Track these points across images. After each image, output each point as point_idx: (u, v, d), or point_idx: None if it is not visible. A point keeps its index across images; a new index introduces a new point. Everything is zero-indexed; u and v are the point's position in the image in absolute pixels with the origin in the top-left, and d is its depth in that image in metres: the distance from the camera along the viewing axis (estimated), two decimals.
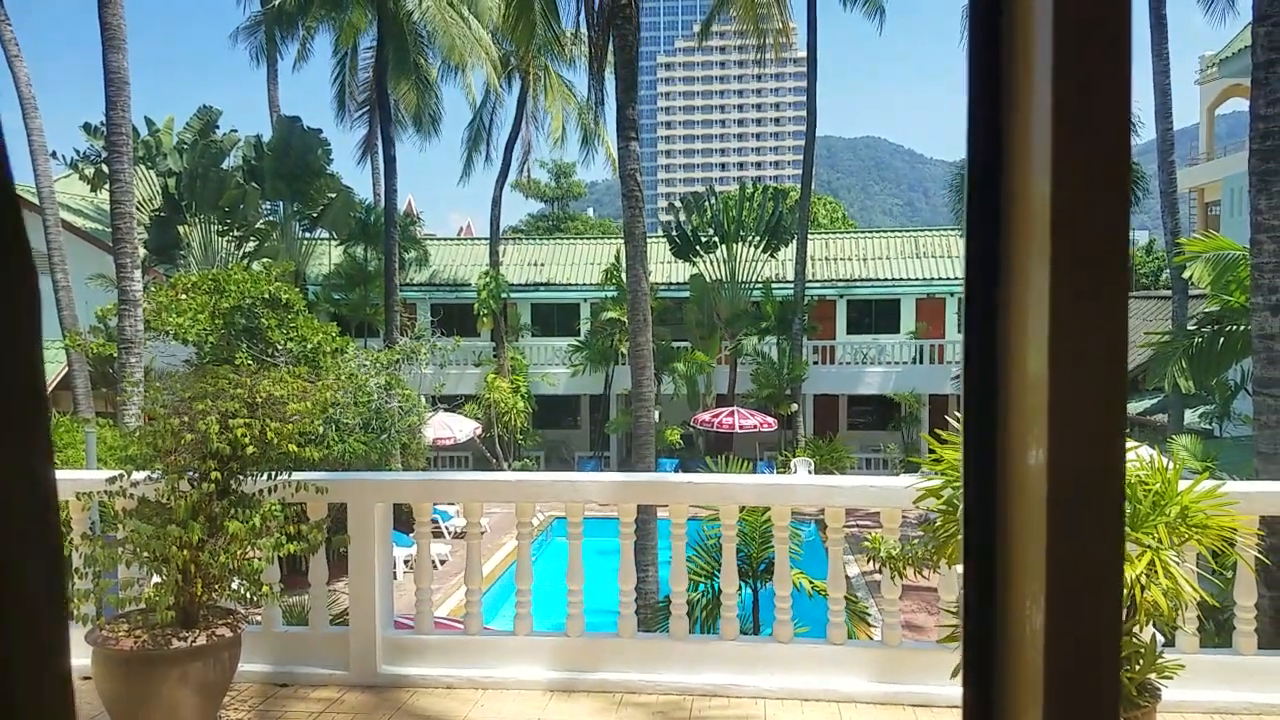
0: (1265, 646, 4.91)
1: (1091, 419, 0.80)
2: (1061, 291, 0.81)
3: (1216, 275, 11.52)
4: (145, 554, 4.36)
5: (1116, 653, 0.84)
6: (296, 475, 4.90)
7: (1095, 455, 0.80)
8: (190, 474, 4.57)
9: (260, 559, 4.64)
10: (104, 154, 21.62)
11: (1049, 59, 0.82)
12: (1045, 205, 0.83)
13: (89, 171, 26.78)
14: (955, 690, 4.33)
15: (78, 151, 27.67)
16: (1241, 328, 11.26)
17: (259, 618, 5.35)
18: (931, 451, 4.21)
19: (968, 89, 0.92)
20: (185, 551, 4.33)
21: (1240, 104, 32.16)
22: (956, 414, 4.38)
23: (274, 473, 4.79)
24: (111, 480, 4.68)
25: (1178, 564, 3.69)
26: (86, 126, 26.67)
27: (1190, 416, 18.84)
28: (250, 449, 4.52)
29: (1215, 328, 12.20)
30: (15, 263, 0.65)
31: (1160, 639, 4.39)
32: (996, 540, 0.90)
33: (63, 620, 0.73)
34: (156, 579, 4.56)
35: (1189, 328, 14.35)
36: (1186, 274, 13.24)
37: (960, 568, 4.33)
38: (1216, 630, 7.00)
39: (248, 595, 4.73)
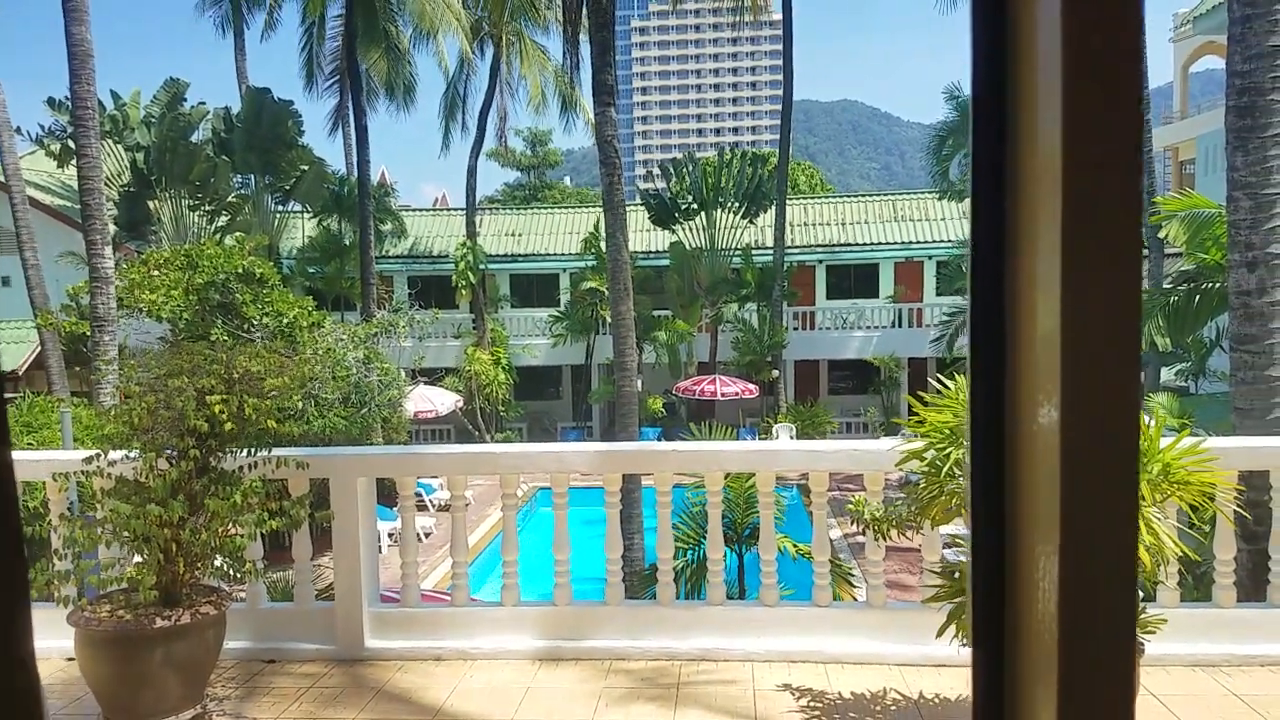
0: (1244, 599, 4.99)
1: (1106, 374, 0.78)
2: (1075, 245, 0.77)
3: (1192, 234, 11.55)
4: (125, 533, 4.30)
5: (1133, 610, 0.82)
6: (276, 451, 4.84)
7: (1110, 411, 0.78)
8: (168, 452, 4.50)
9: (242, 536, 4.59)
10: (69, 129, 21.12)
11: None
12: (1056, 154, 0.80)
13: (55, 147, 26.18)
14: (940, 649, 4.37)
15: (42, 127, 27.02)
16: (1217, 285, 11.35)
17: (243, 595, 5.31)
18: (913, 413, 4.20)
19: (971, 30, 0.88)
20: (166, 530, 4.28)
21: (1214, 62, 32.22)
22: (939, 375, 4.37)
23: (253, 449, 4.73)
24: (88, 460, 4.60)
25: (1160, 520, 3.73)
26: (51, 101, 26.04)
27: (1166, 374, 19.07)
28: (228, 425, 4.45)
29: (1191, 285, 12.28)
30: None
31: (1141, 594, 4.45)
32: (1006, 499, 0.88)
33: (23, 602, 0.69)
34: (138, 558, 4.51)
35: (1165, 286, 14.45)
36: (1162, 233, 13.28)
37: (944, 528, 4.32)
38: (1196, 584, 7.12)
39: (231, 572, 4.69)
